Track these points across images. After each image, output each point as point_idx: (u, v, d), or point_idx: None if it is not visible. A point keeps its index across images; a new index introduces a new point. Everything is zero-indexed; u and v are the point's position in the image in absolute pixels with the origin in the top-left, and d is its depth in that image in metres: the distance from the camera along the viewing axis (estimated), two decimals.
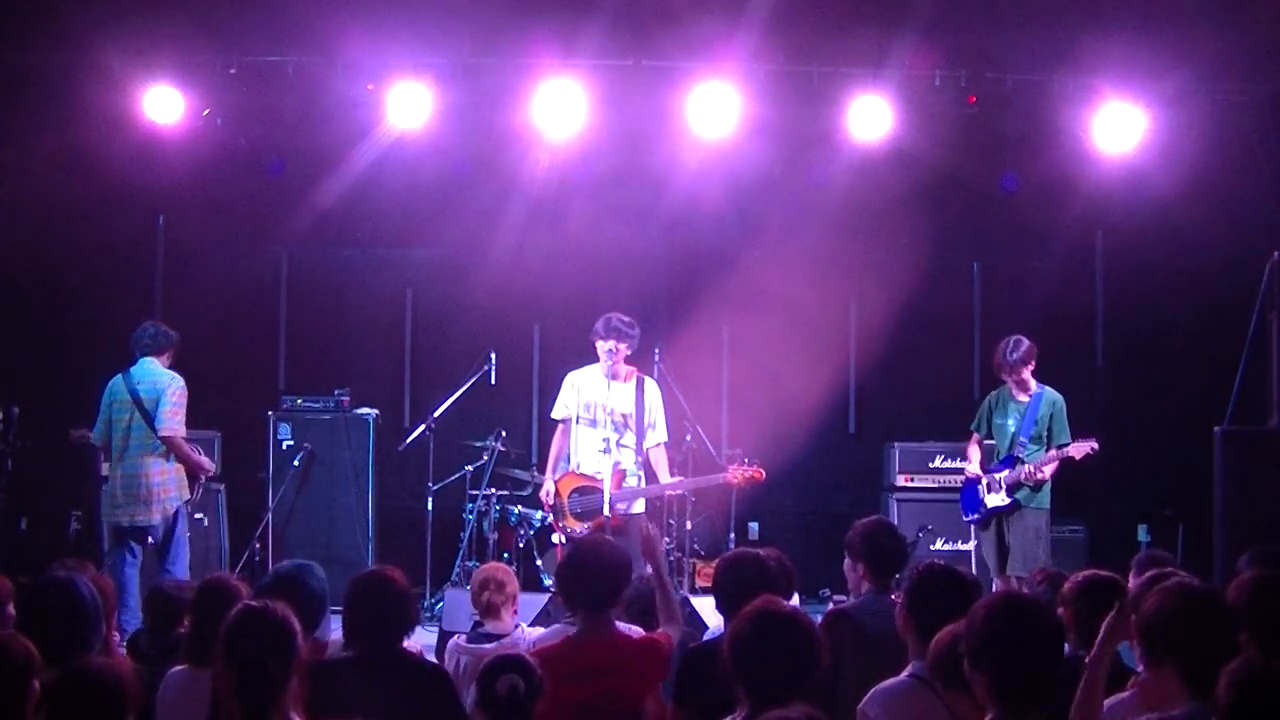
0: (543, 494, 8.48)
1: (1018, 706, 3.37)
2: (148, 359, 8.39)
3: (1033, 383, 8.41)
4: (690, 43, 9.41)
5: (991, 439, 8.59)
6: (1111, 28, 9.34)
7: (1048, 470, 8.23)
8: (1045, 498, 8.33)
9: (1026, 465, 8.24)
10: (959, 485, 9.34)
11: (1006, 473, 8.32)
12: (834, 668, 4.20)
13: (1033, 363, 8.38)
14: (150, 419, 8.22)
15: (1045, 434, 8.34)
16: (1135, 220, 10.52)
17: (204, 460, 8.51)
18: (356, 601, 4.55)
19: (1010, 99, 9.78)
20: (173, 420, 8.25)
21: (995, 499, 8.34)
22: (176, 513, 8.29)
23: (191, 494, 8.42)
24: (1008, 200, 10.59)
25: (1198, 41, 9.27)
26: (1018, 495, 8.28)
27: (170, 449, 8.27)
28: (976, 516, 8.49)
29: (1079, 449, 8.20)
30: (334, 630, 5.97)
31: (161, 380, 8.30)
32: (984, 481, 8.41)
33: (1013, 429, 8.39)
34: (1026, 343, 8.39)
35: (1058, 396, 8.40)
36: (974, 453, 8.62)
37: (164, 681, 4.47)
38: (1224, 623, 3.72)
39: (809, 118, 9.78)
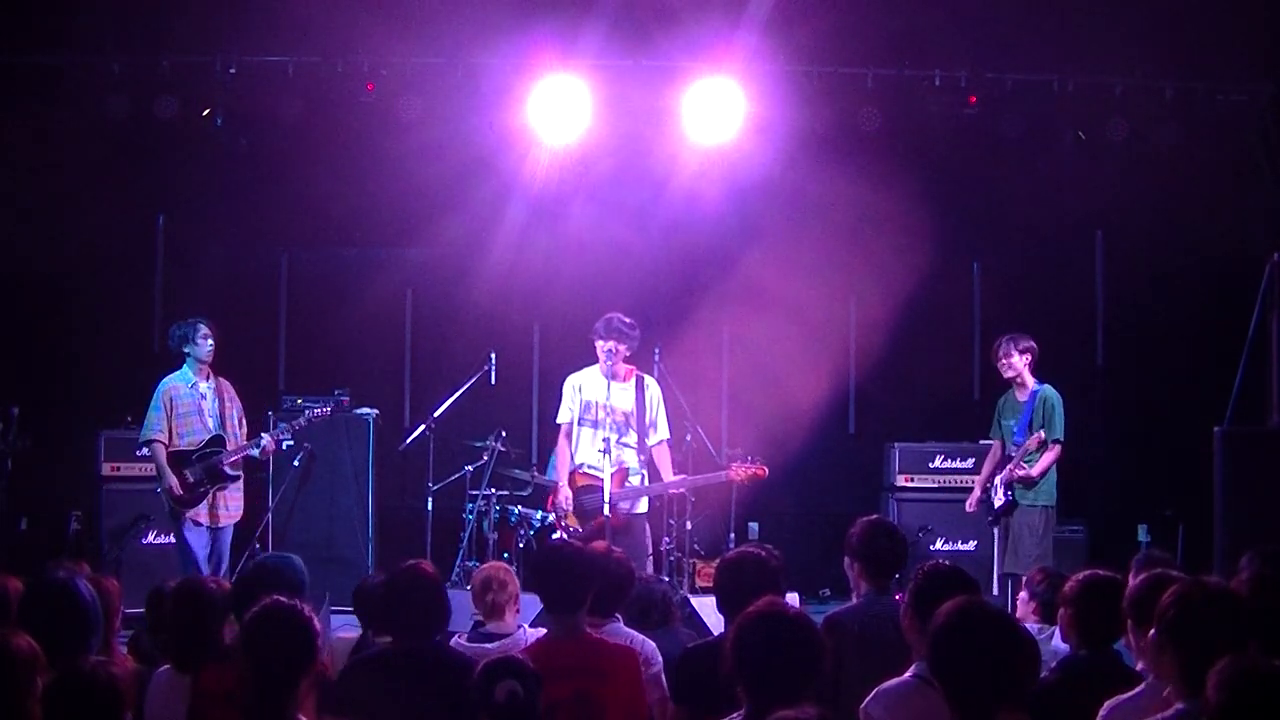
0: (561, 499, 8.38)
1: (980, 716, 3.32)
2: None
3: (1030, 380, 8.57)
4: (690, 43, 9.42)
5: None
6: (1111, 28, 9.34)
7: (1034, 468, 8.37)
8: (1044, 494, 8.46)
9: (1011, 463, 8.45)
10: (960, 485, 9.44)
11: (1005, 472, 8.54)
12: (833, 674, 4.18)
13: (1028, 356, 8.56)
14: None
15: (1039, 431, 8.48)
16: (1135, 220, 10.52)
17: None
18: (394, 596, 4.68)
19: (1010, 99, 9.79)
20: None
21: (997, 498, 8.57)
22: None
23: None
24: (1008, 200, 10.58)
25: (1197, 41, 9.28)
26: (1014, 494, 8.47)
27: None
28: (990, 519, 8.72)
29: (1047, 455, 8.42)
30: (334, 631, 5.96)
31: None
32: (994, 483, 8.62)
33: (1014, 429, 8.59)
34: (1024, 337, 8.62)
35: (1051, 393, 8.55)
36: (986, 468, 8.85)
37: (151, 680, 4.51)
38: (1233, 623, 3.66)
39: (808, 118, 9.78)
